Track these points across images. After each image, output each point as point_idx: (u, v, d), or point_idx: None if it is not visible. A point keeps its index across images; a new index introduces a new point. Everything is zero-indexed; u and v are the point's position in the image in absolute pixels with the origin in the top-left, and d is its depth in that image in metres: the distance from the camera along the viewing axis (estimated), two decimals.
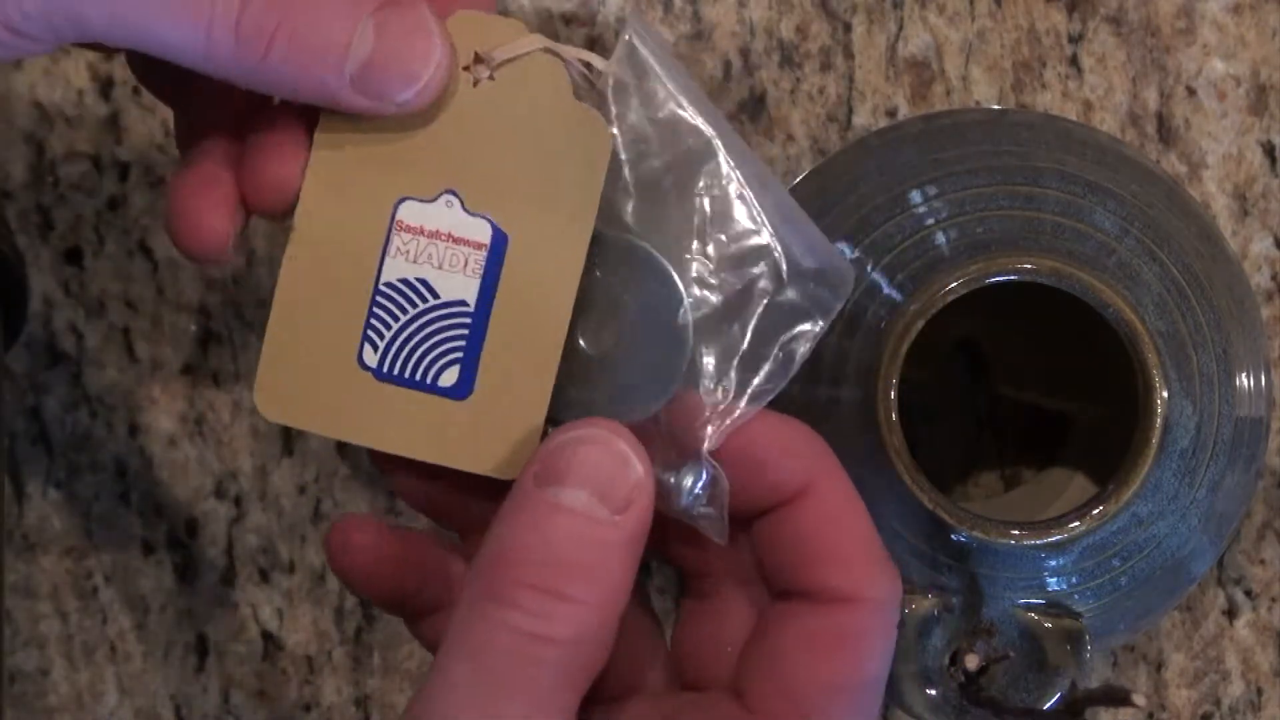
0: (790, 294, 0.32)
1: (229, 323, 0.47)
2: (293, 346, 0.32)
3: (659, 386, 0.32)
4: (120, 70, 0.47)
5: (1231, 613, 0.47)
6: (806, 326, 0.32)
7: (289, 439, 0.47)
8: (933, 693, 0.37)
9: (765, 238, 0.32)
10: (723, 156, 0.32)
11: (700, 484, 0.32)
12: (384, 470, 0.35)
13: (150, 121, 0.47)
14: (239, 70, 0.30)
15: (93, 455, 0.47)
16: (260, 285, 0.47)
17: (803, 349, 0.32)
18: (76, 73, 0.47)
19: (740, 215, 0.32)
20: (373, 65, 0.30)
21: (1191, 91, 0.47)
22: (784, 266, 0.32)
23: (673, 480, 0.32)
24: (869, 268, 0.38)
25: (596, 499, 0.30)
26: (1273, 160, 0.47)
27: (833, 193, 0.40)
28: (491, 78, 0.32)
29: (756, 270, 0.32)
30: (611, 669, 0.31)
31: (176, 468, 0.47)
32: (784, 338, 0.32)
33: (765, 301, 0.32)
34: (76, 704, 0.47)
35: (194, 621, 0.47)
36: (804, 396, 0.38)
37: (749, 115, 0.47)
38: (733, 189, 0.32)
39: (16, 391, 0.47)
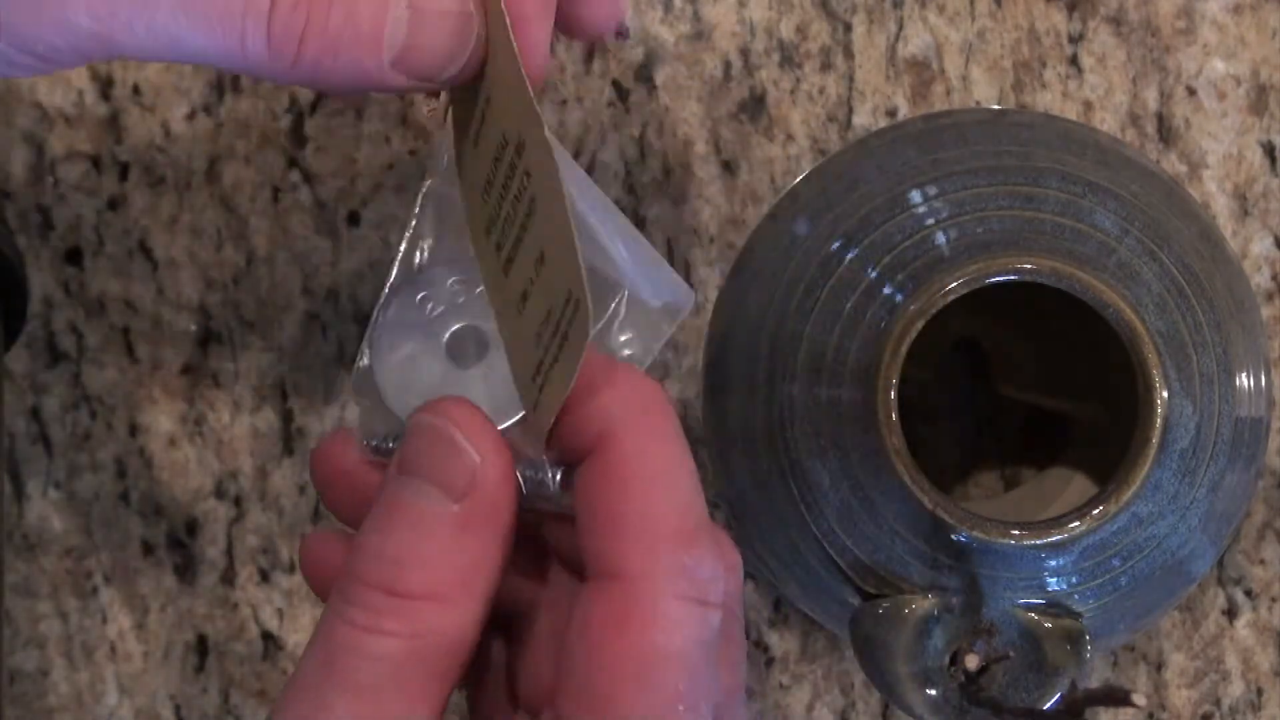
0: (636, 320, 0.33)
1: (229, 323, 0.47)
2: None
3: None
4: (120, 70, 0.47)
5: (1231, 613, 0.47)
6: (647, 345, 0.33)
7: (289, 439, 0.47)
8: (933, 693, 0.37)
9: (616, 268, 0.32)
10: (566, 187, 0.32)
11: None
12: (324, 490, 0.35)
13: (150, 121, 0.47)
14: (277, 75, 0.30)
15: (93, 455, 0.47)
16: (260, 285, 0.47)
17: (645, 361, 0.33)
18: (76, 73, 0.47)
19: (590, 246, 0.32)
20: (411, 50, 0.30)
21: (1191, 91, 0.47)
22: (638, 293, 0.33)
23: (550, 475, 0.32)
24: (869, 268, 0.38)
25: (438, 490, 0.30)
26: (1273, 160, 0.47)
27: (833, 193, 0.40)
28: None
29: (609, 302, 0.33)
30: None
31: (176, 468, 0.47)
32: (628, 354, 0.33)
33: (615, 325, 0.33)
34: (76, 704, 0.47)
35: (194, 621, 0.47)
36: (804, 396, 0.38)
37: (749, 115, 0.47)
38: (582, 221, 0.32)
39: (16, 391, 0.47)
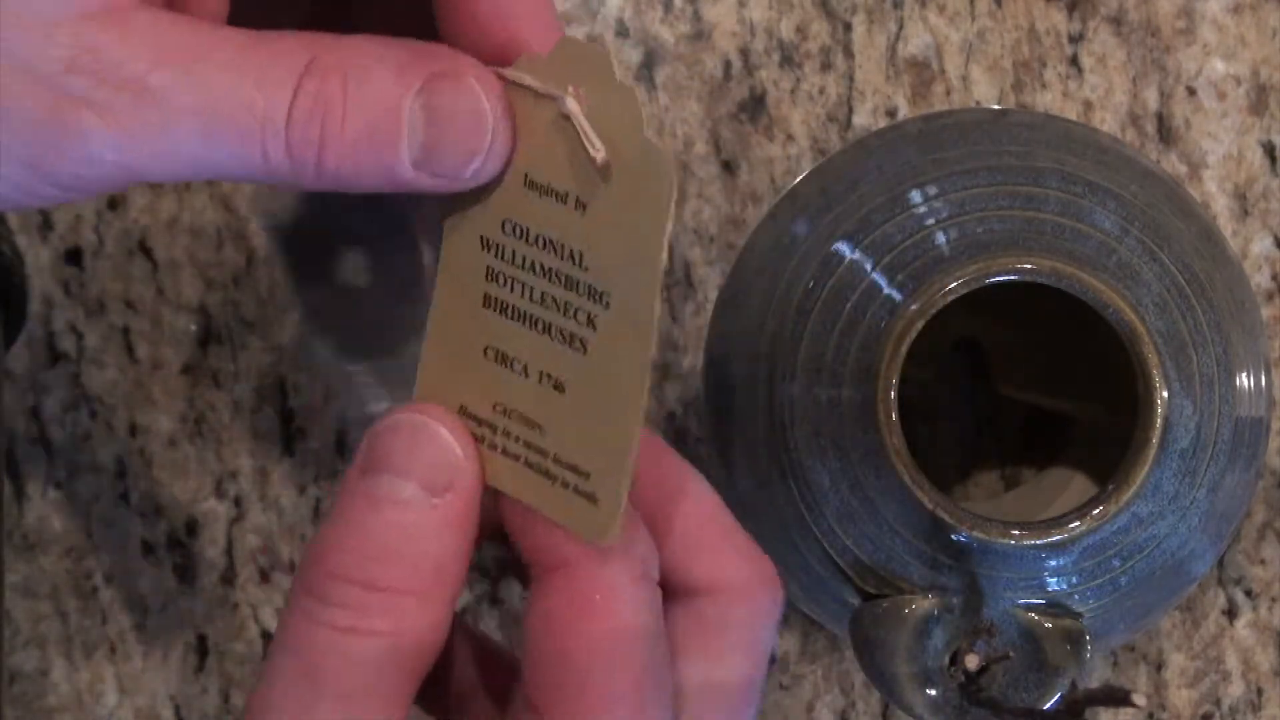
0: None
1: (229, 323, 0.47)
2: None
3: None
4: None
5: (1231, 613, 0.47)
6: None
7: (289, 439, 0.47)
8: (933, 693, 0.37)
9: None
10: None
11: None
12: None
13: None
14: (304, 183, 0.29)
15: (93, 455, 0.47)
16: (260, 285, 0.47)
17: None
18: None
19: None
20: (430, 151, 0.30)
21: (1191, 91, 0.47)
22: None
23: None
24: (869, 268, 0.38)
25: (415, 485, 0.30)
26: (1273, 160, 0.47)
27: (833, 193, 0.40)
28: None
29: None
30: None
31: (176, 468, 0.47)
32: None
33: None
34: (76, 704, 0.47)
35: (194, 621, 0.47)
36: (804, 396, 0.38)
37: (749, 115, 0.47)
38: None
39: (16, 391, 0.47)
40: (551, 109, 0.31)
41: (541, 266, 0.31)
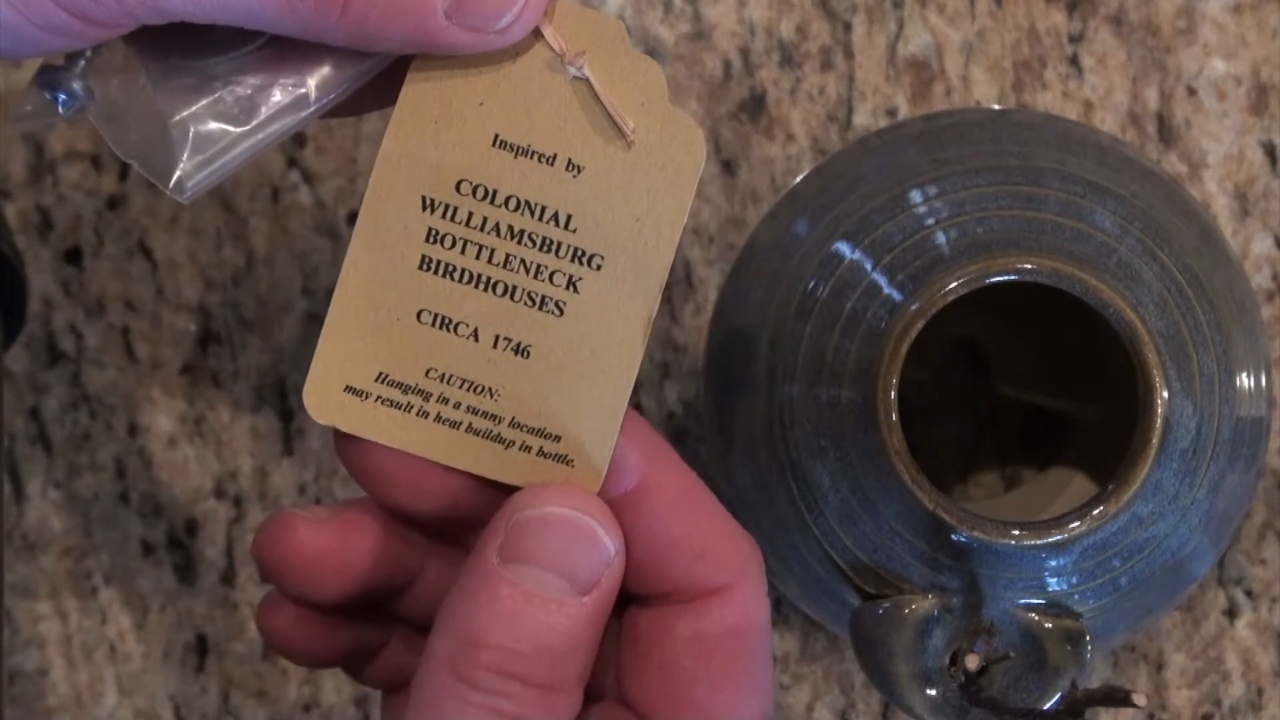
0: None
1: (229, 323, 0.47)
2: None
3: None
4: None
5: (1232, 613, 0.47)
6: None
7: (289, 439, 0.47)
8: (933, 693, 0.37)
9: None
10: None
11: None
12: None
13: None
14: (326, 24, 0.28)
15: (93, 455, 0.47)
16: (260, 285, 0.47)
17: None
18: None
19: None
20: None
21: (1192, 91, 0.47)
22: None
23: None
24: (869, 268, 0.38)
25: (565, 582, 0.29)
26: (1273, 160, 0.47)
27: (833, 193, 0.40)
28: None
29: None
30: None
31: (176, 468, 0.47)
32: None
33: None
34: (76, 704, 0.47)
35: (194, 621, 0.47)
36: (804, 396, 0.38)
37: (749, 115, 0.47)
38: None
39: (16, 391, 0.47)
40: (539, 70, 0.30)
41: (510, 228, 0.31)
